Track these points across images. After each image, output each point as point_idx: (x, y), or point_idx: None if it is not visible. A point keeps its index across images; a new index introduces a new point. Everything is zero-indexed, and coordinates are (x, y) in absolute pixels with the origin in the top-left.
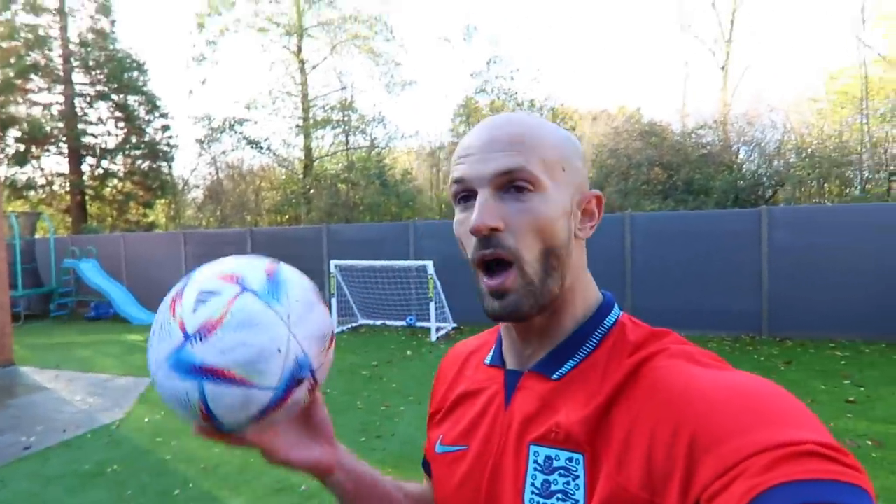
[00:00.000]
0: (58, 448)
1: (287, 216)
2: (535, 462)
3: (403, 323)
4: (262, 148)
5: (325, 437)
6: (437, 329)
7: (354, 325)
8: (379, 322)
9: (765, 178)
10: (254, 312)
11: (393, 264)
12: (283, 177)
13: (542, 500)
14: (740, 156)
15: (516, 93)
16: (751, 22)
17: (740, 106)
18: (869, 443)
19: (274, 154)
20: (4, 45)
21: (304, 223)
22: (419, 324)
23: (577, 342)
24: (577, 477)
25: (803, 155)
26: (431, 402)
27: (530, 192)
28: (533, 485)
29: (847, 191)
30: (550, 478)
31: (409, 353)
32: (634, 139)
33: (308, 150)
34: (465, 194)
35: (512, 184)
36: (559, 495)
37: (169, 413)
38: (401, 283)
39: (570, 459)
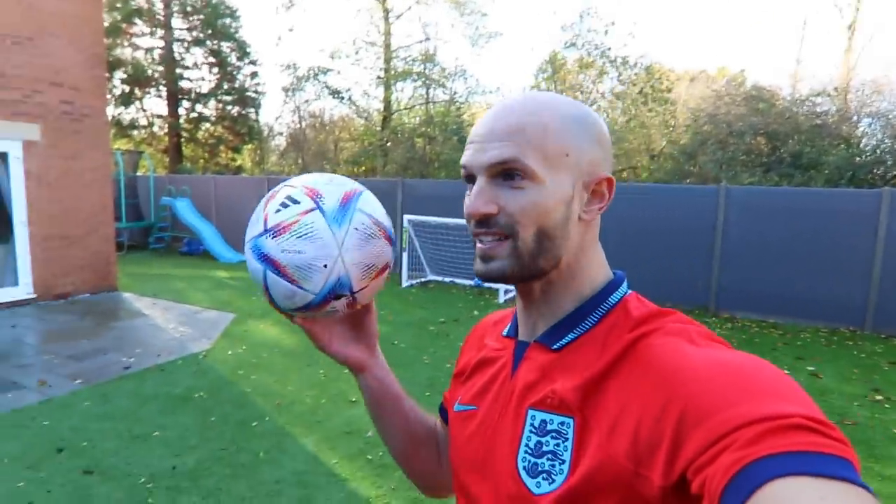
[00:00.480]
0: (153, 370)
1: (364, 168)
2: (532, 425)
3: (472, 283)
4: (343, 98)
5: (366, 344)
6: (506, 291)
7: (424, 280)
8: (448, 279)
9: (888, 156)
10: (315, 228)
11: (465, 223)
12: (362, 128)
13: (533, 459)
14: (860, 129)
15: (609, 48)
16: None
17: (866, 72)
18: None
19: (354, 105)
20: None
21: (380, 176)
22: (487, 284)
23: (580, 317)
24: (567, 439)
25: None
26: (458, 361)
27: (525, 179)
28: (527, 445)
29: None
30: (543, 439)
31: (476, 312)
32: (737, 104)
33: (388, 102)
34: (470, 177)
35: (507, 172)
36: (549, 455)
37: (249, 348)
38: (472, 242)
39: (562, 423)
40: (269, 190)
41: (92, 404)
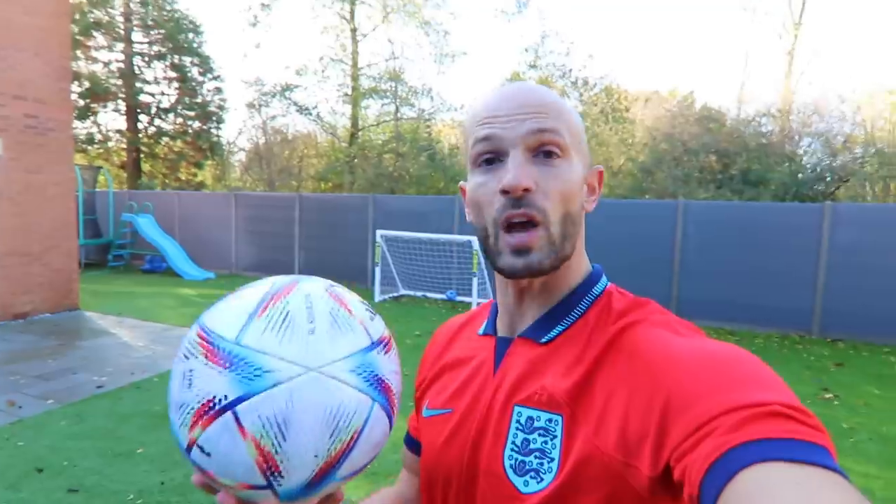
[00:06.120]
0: (128, 389)
1: (330, 183)
2: (518, 422)
3: (443, 296)
4: (311, 114)
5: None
6: (478, 304)
7: (396, 294)
8: (419, 294)
9: (827, 173)
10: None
11: (438, 237)
12: (326, 144)
13: (520, 457)
14: (802, 148)
15: (570, 69)
16: (824, 5)
17: (805, 95)
18: None
19: (321, 121)
20: (70, 1)
21: (348, 192)
22: (459, 298)
23: (567, 308)
24: (555, 437)
25: (872, 150)
26: (417, 377)
27: (559, 157)
28: (514, 443)
29: None
30: (530, 437)
31: None
32: (690, 124)
33: (355, 119)
34: (491, 157)
35: (542, 147)
36: (537, 453)
37: None
38: (444, 256)
39: (550, 420)
40: (235, 205)
41: (67, 424)
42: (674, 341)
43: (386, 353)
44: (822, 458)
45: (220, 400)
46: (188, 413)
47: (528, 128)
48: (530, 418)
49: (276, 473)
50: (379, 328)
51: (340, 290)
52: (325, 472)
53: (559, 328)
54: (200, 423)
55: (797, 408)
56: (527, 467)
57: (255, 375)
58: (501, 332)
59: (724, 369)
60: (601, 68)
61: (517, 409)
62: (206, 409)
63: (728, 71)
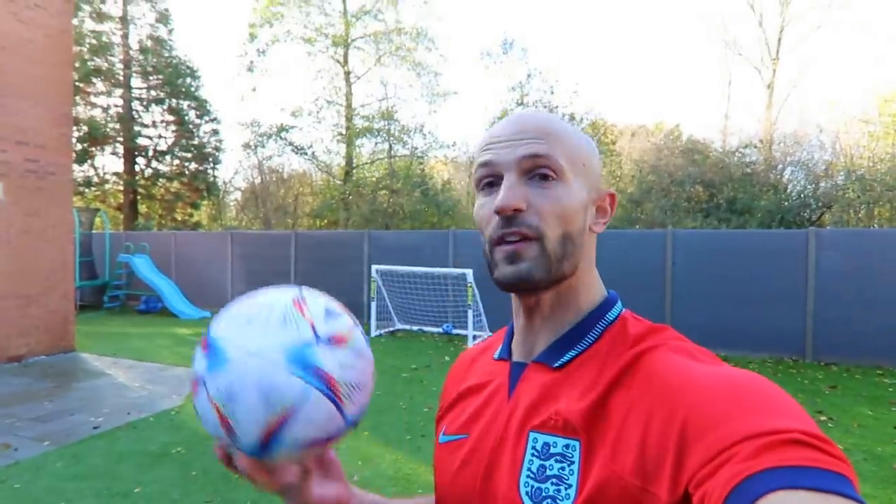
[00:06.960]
0: (125, 428)
1: (325, 220)
2: (534, 448)
3: (440, 330)
4: (306, 154)
5: (337, 476)
6: (474, 337)
7: (392, 329)
8: (416, 328)
9: (811, 200)
10: (363, 346)
11: (433, 271)
12: (321, 182)
13: (536, 484)
14: (786, 176)
15: (557, 106)
16: (800, 41)
17: (786, 125)
18: None
19: (316, 160)
20: (71, 51)
21: (344, 228)
22: (455, 331)
23: (580, 333)
24: (573, 462)
25: (853, 177)
26: (439, 407)
27: (553, 180)
28: (529, 469)
29: None
30: (547, 463)
31: (446, 358)
32: (676, 156)
33: (349, 157)
34: (490, 180)
35: (537, 170)
36: (553, 480)
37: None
38: (439, 290)
39: (567, 446)
40: (232, 244)
41: (64, 465)
42: (692, 366)
43: (332, 349)
44: (843, 488)
45: (200, 374)
46: (192, 383)
47: (521, 152)
48: (546, 444)
49: (232, 432)
50: (331, 329)
51: (311, 298)
52: (270, 437)
53: (572, 353)
54: (195, 390)
55: (818, 436)
56: (543, 494)
57: (217, 357)
58: (517, 356)
59: (743, 395)
60: (587, 103)
61: (532, 434)
62: (196, 381)
63: (712, 104)
